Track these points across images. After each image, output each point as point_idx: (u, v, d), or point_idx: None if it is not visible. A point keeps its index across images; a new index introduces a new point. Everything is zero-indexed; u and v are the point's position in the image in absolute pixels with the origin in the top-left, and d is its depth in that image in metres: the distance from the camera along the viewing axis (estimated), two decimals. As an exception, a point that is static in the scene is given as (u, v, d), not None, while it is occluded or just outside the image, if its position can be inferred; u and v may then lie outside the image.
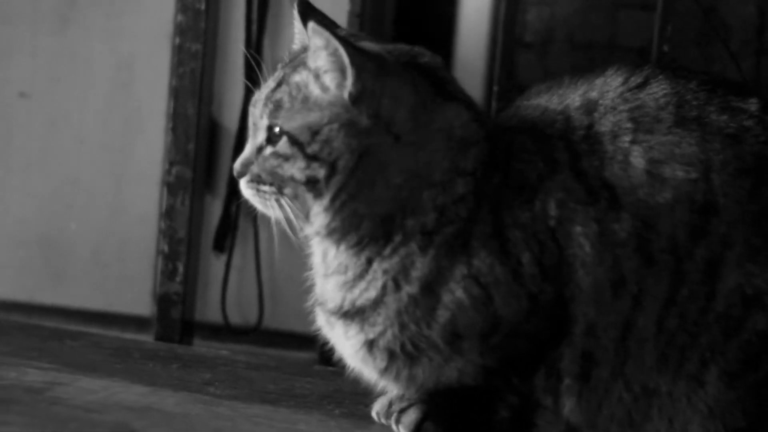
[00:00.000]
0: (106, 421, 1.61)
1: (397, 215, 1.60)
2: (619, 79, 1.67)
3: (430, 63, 1.66)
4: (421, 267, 1.60)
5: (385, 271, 1.61)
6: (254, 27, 3.11)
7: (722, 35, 2.70)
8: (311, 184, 1.59)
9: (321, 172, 1.58)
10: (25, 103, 3.34)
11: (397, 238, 1.61)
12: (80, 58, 3.30)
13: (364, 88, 1.57)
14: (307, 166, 1.58)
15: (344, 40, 1.56)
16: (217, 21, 3.02)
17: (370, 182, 1.59)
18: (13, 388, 1.78)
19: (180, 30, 2.77)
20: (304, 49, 1.65)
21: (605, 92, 1.66)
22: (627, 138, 1.61)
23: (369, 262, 1.63)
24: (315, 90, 1.60)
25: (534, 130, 1.65)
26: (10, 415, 1.58)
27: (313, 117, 1.59)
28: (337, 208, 1.60)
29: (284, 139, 1.59)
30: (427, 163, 1.60)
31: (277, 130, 1.60)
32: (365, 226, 1.62)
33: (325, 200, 1.60)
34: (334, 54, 1.57)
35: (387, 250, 1.61)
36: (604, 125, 1.63)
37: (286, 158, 1.60)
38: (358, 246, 1.63)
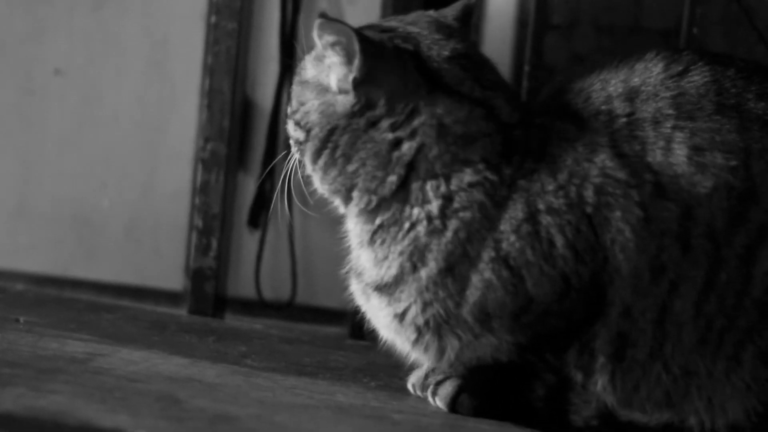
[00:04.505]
0: (150, 391, 1.63)
1: (406, 202, 1.67)
2: (660, 66, 1.68)
3: (435, 55, 1.69)
4: (437, 250, 1.64)
5: (400, 253, 1.67)
6: (289, 6, 3.13)
7: (752, 18, 2.71)
8: (298, 144, 1.73)
9: (301, 136, 1.71)
10: (60, 80, 3.36)
11: (406, 225, 1.66)
12: (115, 37, 3.32)
13: (368, 73, 1.65)
14: (295, 129, 1.73)
15: (353, 28, 1.65)
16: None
17: (344, 156, 1.67)
18: (57, 359, 1.80)
19: (216, 8, 2.78)
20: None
21: (646, 79, 1.67)
22: (669, 124, 1.63)
23: (390, 244, 1.68)
24: (311, 71, 1.73)
25: (577, 118, 1.67)
26: (57, 384, 1.60)
27: (302, 90, 1.72)
28: (319, 170, 1.71)
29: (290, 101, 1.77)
30: (418, 154, 1.65)
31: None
32: (359, 198, 1.69)
33: (307, 161, 1.72)
34: (347, 45, 1.65)
35: (399, 235, 1.67)
36: (646, 111, 1.65)
37: (287, 117, 1.77)
38: (371, 224, 1.70)
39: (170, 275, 3.29)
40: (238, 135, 3.09)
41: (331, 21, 1.66)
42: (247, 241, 3.23)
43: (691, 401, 1.63)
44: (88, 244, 3.37)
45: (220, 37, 2.78)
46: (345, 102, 1.66)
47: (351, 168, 1.67)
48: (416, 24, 1.74)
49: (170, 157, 3.30)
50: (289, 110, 1.76)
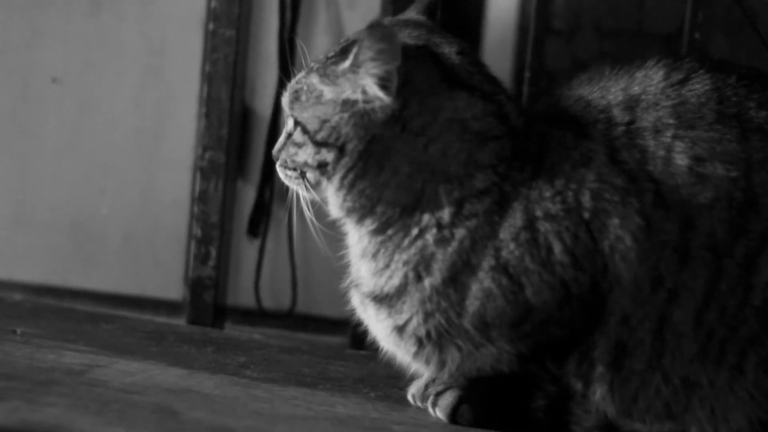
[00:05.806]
0: (147, 403, 1.62)
1: (417, 208, 1.64)
2: (661, 73, 1.67)
3: (447, 52, 1.68)
4: (442, 259, 1.62)
5: (405, 262, 1.65)
6: (288, 13, 3.11)
7: (754, 23, 2.69)
8: (322, 168, 1.65)
9: (330, 156, 1.64)
10: (57, 88, 3.34)
11: (414, 231, 1.64)
12: (112, 44, 3.31)
13: (406, 75, 1.62)
14: (317, 152, 1.65)
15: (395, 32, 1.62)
16: (251, 7, 3.02)
17: (377, 166, 1.63)
18: (54, 370, 1.79)
19: (214, 15, 2.77)
20: (343, 51, 1.67)
21: (647, 87, 1.66)
22: (669, 133, 1.62)
23: (393, 252, 1.66)
24: (327, 90, 1.65)
25: (575, 125, 1.66)
26: (53, 397, 1.59)
27: (323, 109, 1.64)
28: (346, 187, 1.65)
29: (299, 128, 1.67)
30: (441, 155, 1.63)
31: (295, 119, 1.69)
32: (381, 212, 1.66)
33: (335, 180, 1.65)
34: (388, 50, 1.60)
35: (405, 242, 1.65)
36: (646, 120, 1.63)
37: (299, 146, 1.67)
38: (383, 234, 1.67)
39: (169, 285, 3.27)
40: (237, 143, 3.08)
41: (380, 26, 1.62)
42: (247, 250, 3.22)
43: (692, 412, 1.61)
44: (86, 253, 3.35)
45: (219, 44, 2.76)
46: (385, 107, 1.62)
47: (382, 179, 1.64)
48: (397, 26, 1.72)
49: (168, 165, 3.29)
50: (301, 138, 1.68)
